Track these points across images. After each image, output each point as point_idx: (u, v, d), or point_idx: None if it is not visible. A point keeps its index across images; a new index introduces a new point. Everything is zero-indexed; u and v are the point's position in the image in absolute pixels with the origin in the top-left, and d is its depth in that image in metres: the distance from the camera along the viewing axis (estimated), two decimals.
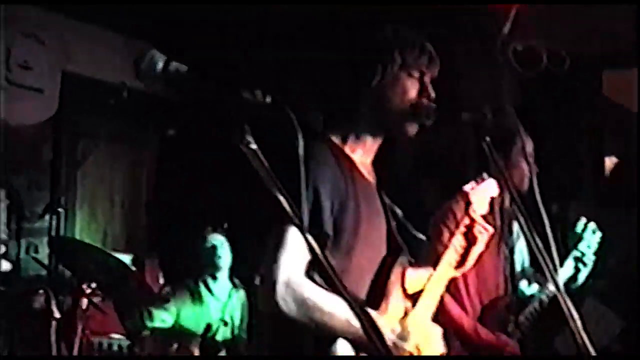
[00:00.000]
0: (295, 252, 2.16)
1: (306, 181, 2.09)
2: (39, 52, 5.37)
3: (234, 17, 5.29)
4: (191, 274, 4.92)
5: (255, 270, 4.90)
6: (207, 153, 5.69)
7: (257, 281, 4.59)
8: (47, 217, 5.32)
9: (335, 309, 2.13)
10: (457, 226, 2.55)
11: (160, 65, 1.55)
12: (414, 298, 2.41)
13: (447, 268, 2.47)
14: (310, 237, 2.08)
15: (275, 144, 1.89)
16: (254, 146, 1.55)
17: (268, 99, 1.53)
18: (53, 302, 3.96)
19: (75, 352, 4.16)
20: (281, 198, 1.55)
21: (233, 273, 4.91)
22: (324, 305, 2.14)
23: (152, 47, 1.55)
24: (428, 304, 2.42)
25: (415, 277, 2.44)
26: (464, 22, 4.72)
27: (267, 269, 2.17)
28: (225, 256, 4.86)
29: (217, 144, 5.52)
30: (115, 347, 4.67)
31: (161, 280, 5.65)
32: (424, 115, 2.36)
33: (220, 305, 4.79)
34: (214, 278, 4.84)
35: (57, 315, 3.95)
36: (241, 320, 4.81)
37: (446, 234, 2.97)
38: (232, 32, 5.44)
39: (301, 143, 1.67)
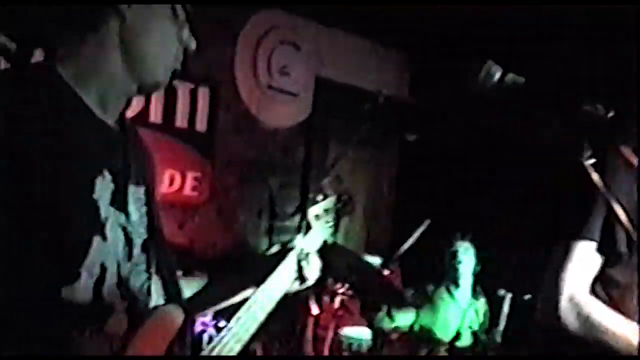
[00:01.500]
0: (581, 268, 2.14)
1: (599, 194, 2.05)
2: (295, 59, 5.62)
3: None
4: (434, 279, 4.94)
5: (500, 279, 4.86)
6: (453, 159, 5.68)
7: (502, 292, 4.52)
8: (296, 216, 5.58)
9: (618, 329, 2.09)
10: None
11: (497, 76, 1.56)
12: None
13: None
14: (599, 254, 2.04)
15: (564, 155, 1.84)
16: (590, 161, 1.52)
17: (610, 113, 1.48)
18: (312, 299, 4.11)
19: (326, 349, 4.30)
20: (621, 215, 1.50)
21: (477, 280, 4.88)
22: (607, 325, 2.10)
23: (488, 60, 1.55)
24: None
25: None
26: None
27: (551, 284, 2.15)
28: (469, 264, 4.84)
29: (471, 150, 5.55)
30: (355, 346, 4.80)
31: (400, 283, 5.71)
32: None
33: (460, 311, 4.79)
34: (457, 285, 4.84)
35: (315, 311, 4.09)
36: (482, 328, 4.77)
37: None
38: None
39: (591, 154, 1.62)
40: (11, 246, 1.37)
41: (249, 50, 5.43)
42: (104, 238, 1.48)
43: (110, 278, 1.49)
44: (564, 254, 2.15)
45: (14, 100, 1.40)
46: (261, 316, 1.90)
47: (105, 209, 1.49)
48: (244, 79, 5.40)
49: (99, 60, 1.55)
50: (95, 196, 1.47)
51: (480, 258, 4.89)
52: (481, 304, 4.87)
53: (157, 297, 1.64)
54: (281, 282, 1.99)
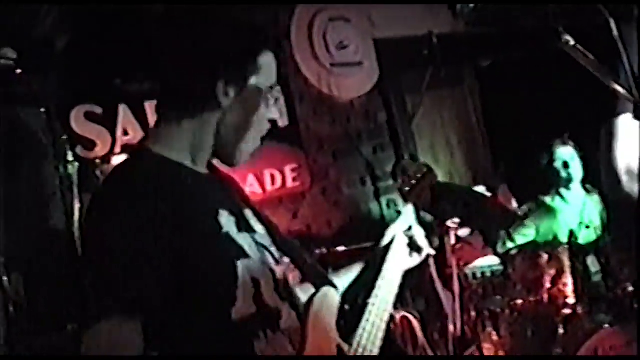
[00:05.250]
0: (628, 138, 2.25)
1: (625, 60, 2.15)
2: (348, 31, 5.85)
3: None
4: (544, 190, 5.04)
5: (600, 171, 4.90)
6: (524, 71, 5.77)
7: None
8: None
9: None
10: None
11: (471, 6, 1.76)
12: None
13: None
14: None
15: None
16: (572, 42, 1.69)
17: None
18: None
19: (455, 285, 4.45)
20: (616, 86, 1.66)
21: (586, 179, 4.96)
22: None
23: None
24: None
25: None
26: None
27: (606, 160, 2.28)
28: (576, 166, 4.89)
29: (532, 60, 5.63)
30: (488, 274, 5.01)
31: (514, 203, 5.81)
32: None
33: (576, 211, 4.86)
34: (568, 188, 4.93)
35: (431, 252, 4.27)
36: (602, 222, 4.85)
37: None
38: None
39: (614, 26, 1.76)
40: (180, 287, 1.63)
41: (303, 38, 5.69)
42: (248, 258, 1.73)
43: (266, 286, 1.74)
44: (610, 130, 2.29)
45: (142, 181, 1.67)
46: (391, 297, 2.03)
47: (238, 236, 1.74)
48: (308, 65, 5.67)
49: (196, 138, 1.79)
50: (224, 230, 1.72)
51: (583, 157, 4.92)
52: (595, 198, 4.93)
53: (307, 287, 1.88)
54: (398, 261, 2.11)
